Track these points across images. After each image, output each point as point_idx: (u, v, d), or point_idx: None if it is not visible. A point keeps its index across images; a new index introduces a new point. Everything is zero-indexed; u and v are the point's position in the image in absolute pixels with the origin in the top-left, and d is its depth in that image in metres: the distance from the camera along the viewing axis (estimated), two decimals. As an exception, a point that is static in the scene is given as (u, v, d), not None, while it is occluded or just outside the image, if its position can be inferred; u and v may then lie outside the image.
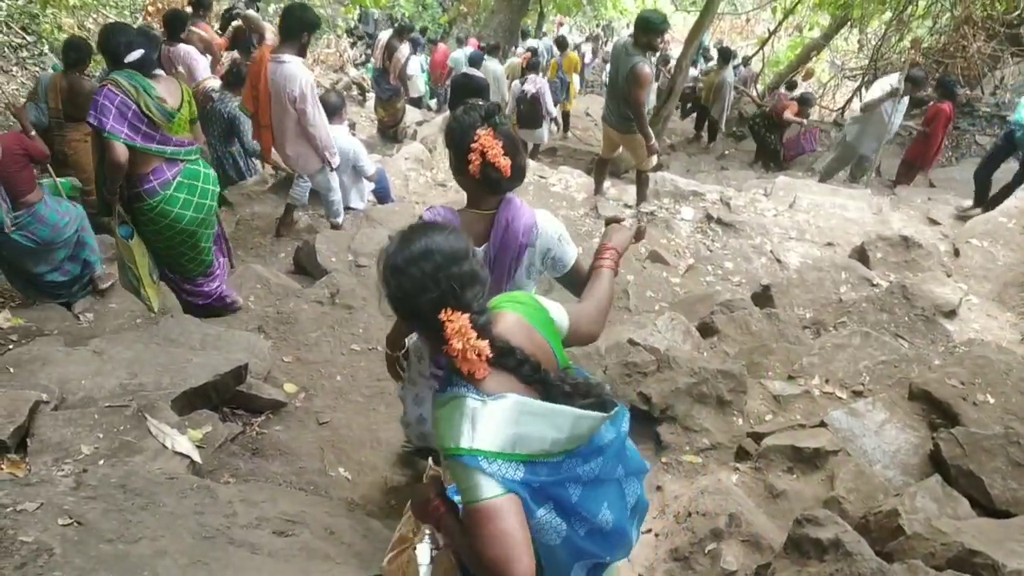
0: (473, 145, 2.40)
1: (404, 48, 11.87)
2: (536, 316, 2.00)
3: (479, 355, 1.72)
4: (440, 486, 2.10)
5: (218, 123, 6.31)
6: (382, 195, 7.22)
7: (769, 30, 16.15)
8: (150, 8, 14.01)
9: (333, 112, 6.15)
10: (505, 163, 2.41)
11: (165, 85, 4.16)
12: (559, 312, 2.09)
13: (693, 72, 15.54)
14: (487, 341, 1.74)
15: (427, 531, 2.24)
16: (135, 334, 4.11)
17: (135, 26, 4.10)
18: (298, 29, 5.16)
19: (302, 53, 5.26)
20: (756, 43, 17.53)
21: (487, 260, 2.57)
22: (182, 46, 7.39)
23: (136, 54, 4.02)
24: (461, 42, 13.64)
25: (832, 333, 4.41)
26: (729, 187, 8.19)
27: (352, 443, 3.78)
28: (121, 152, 3.95)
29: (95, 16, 12.81)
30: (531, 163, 9.54)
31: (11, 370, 3.46)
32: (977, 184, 7.84)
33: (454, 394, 1.76)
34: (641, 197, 7.28)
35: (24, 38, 9.98)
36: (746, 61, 16.56)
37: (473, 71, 10.13)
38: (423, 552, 2.22)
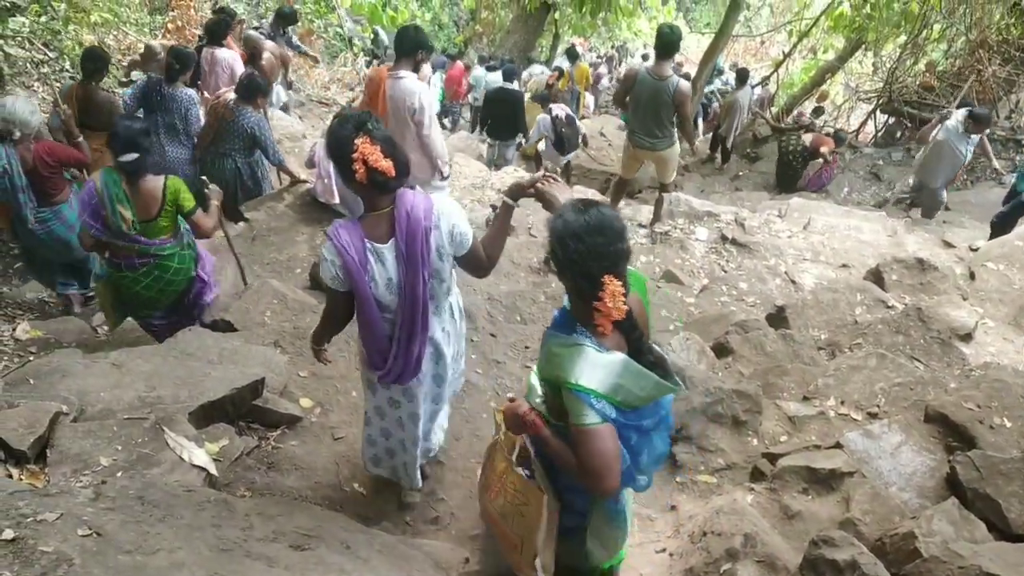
0: (354, 155, 2.61)
1: (426, 68, 11.98)
2: (643, 291, 2.48)
3: (617, 315, 2.17)
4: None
5: (240, 137, 6.37)
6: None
7: (784, 52, 16.20)
8: (169, 26, 14.18)
9: None
10: (387, 164, 2.64)
11: (148, 192, 4.20)
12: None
13: (709, 88, 15.63)
14: (623, 312, 2.18)
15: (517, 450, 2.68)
16: (153, 347, 4.14)
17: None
18: (412, 48, 5.50)
19: (416, 69, 5.59)
20: (770, 65, 17.57)
21: (398, 254, 2.79)
22: (224, 51, 7.80)
23: (129, 156, 4.06)
24: (484, 60, 13.70)
25: (847, 355, 4.40)
26: (743, 208, 8.20)
27: (367, 459, 3.79)
28: (89, 241, 4.23)
29: (115, 33, 12.96)
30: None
31: (31, 381, 3.49)
32: (993, 231, 7.91)
33: (577, 341, 2.24)
34: (656, 216, 7.31)
35: (46, 54, 10.09)
36: (763, 82, 16.60)
37: (509, 85, 10.25)
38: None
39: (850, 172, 11.61)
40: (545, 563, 2.64)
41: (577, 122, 10.91)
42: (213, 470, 3.11)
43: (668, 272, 6.14)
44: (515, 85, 10.55)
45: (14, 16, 9.82)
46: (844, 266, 6.28)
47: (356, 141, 2.62)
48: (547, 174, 2.85)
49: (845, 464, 3.34)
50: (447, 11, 22.25)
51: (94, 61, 6.36)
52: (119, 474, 2.91)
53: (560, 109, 10.55)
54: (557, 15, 18.89)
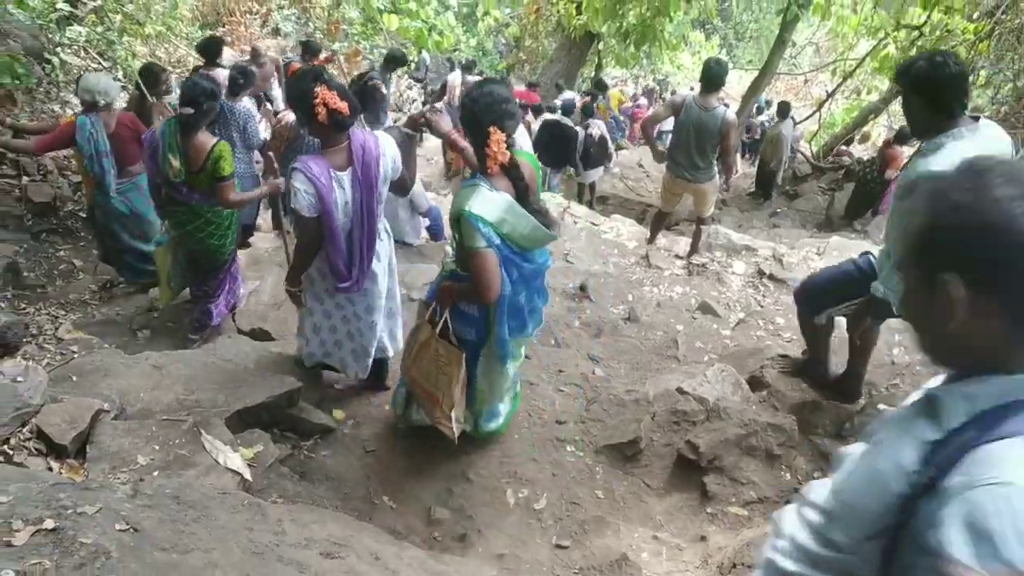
0: (316, 100, 3.23)
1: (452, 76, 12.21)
2: (536, 168, 3.34)
3: (501, 158, 2.98)
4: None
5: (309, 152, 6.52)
6: (435, 232, 7.33)
7: (827, 92, 16.12)
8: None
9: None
10: (344, 105, 3.29)
11: (197, 147, 4.48)
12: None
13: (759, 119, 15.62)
14: (508, 155, 3.00)
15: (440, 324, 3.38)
16: (192, 352, 4.20)
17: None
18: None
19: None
20: (813, 104, 17.51)
21: (354, 179, 3.44)
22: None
23: (186, 110, 4.41)
24: (533, 87, 13.81)
25: (883, 394, 4.35)
26: (781, 244, 8.17)
27: (397, 472, 3.80)
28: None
29: (167, 46, 13.24)
30: (583, 209, 9.61)
31: (74, 378, 3.56)
32: None
33: (475, 183, 3.02)
34: (694, 249, 7.31)
35: (100, 63, 10.32)
36: (807, 119, 16.51)
37: (564, 119, 10.32)
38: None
39: (883, 215, 11.52)
40: (458, 415, 3.46)
41: (609, 145, 11.08)
42: (247, 475, 3.14)
43: (704, 304, 6.12)
44: (571, 120, 10.58)
45: (72, 25, 10.07)
46: (883, 307, 6.23)
47: (316, 89, 3.24)
48: (432, 107, 3.75)
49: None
50: (492, 38, 22.49)
51: (150, 77, 6.56)
52: (156, 473, 2.95)
53: (596, 128, 10.69)
54: (601, 45, 19.01)
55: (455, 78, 14.18)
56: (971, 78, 12.86)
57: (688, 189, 6.99)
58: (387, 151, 3.55)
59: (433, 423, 3.54)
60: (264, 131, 6.82)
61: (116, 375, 3.60)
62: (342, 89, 3.34)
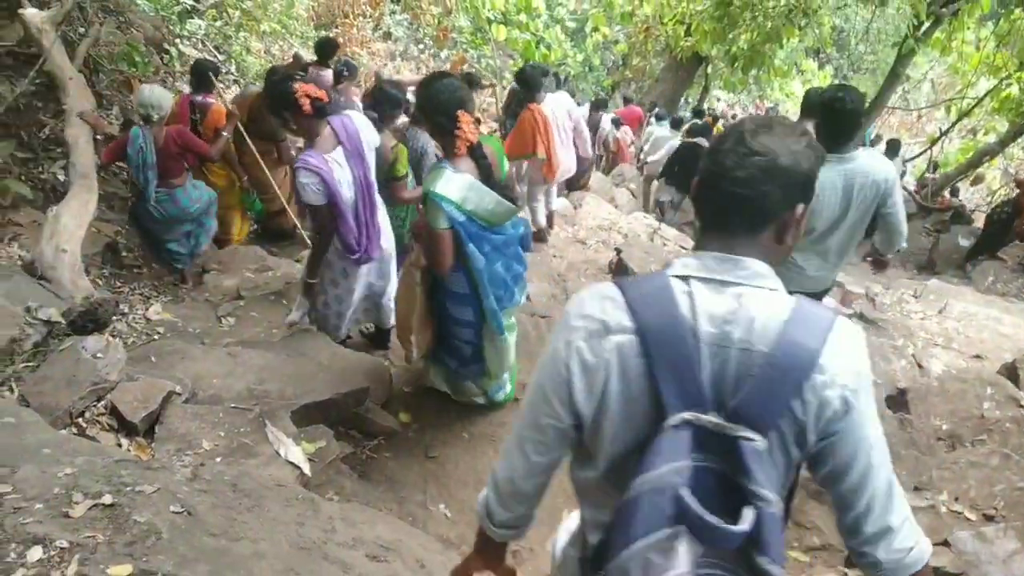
0: (298, 95, 3.64)
1: (606, 119, 12.15)
2: (498, 152, 3.57)
3: (472, 138, 3.29)
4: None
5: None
6: (522, 243, 7.31)
7: (940, 130, 15.60)
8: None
9: None
10: (323, 94, 3.76)
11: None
12: (504, 159, 3.64)
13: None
14: (476, 138, 3.32)
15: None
16: (268, 343, 4.28)
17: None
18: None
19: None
20: (925, 141, 16.93)
21: (347, 155, 3.89)
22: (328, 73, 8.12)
23: (371, 114, 4.81)
24: (661, 119, 13.71)
25: (968, 449, 4.14)
26: (877, 284, 7.89)
27: (456, 481, 3.80)
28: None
29: (281, 43, 13.63)
30: (673, 232, 9.47)
31: (152, 359, 3.67)
32: None
33: (441, 166, 3.33)
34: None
35: (216, 57, 10.68)
36: (924, 157, 15.96)
37: (700, 140, 10.25)
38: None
39: (997, 260, 11.02)
40: (418, 343, 3.83)
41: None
42: (307, 469, 3.17)
43: (787, 338, 5.93)
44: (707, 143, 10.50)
45: (192, 18, 10.46)
46: (977, 357, 5.93)
47: (295, 86, 3.66)
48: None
49: (951, 564, 3.13)
50: (599, 54, 22.45)
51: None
52: (218, 459, 3.01)
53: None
54: (709, 69, 18.79)
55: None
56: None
57: None
58: (361, 124, 4.02)
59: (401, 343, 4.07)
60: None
61: (192, 359, 3.69)
62: (313, 82, 3.90)
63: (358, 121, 4.03)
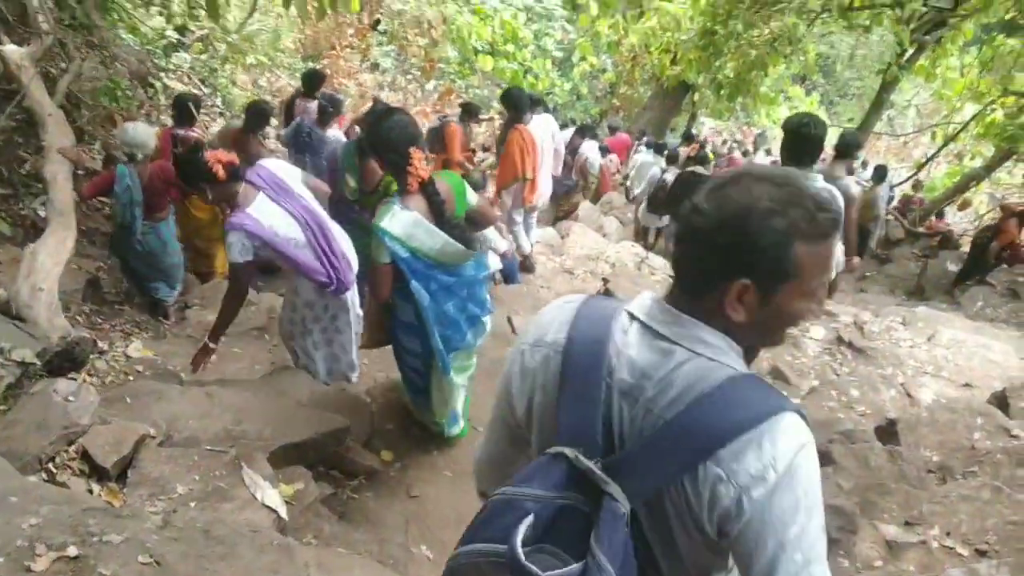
0: (210, 164, 3.63)
1: (586, 145, 12.18)
2: (456, 189, 3.55)
3: (423, 175, 3.33)
4: None
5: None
6: (508, 275, 7.29)
7: (927, 155, 15.67)
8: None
9: (475, 189, 6.39)
10: (232, 157, 3.75)
11: (374, 167, 4.93)
12: (471, 192, 3.68)
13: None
14: (428, 173, 3.37)
15: None
16: (247, 382, 4.22)
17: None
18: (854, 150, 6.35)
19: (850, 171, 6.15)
20: (912, 167, 17.00)
21: (272, 197, 3.77)
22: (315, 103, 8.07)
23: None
24: (651, 147, 13.78)
25: (959, 482, 4.09)
26: (865, 311, 7.87)
27: (438, 521, 3.72)
28: None
29: (268, 75, 13.66)
30: (660, 261, 9.44)
31: (128, 400, 3.60)
32: None
33: (391, 202, 3.35)
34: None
35: (201, 90, 10.68)
36: (912, 182, 15.99)
37: (700, 169, 10.23)
38: None
39: (986, 286, 11.02)
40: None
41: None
42: (284, 513, 3.10)
43: (775, 369, 5.89)
44: (707, 171, 10.49)
45: (178, 51, 10.47)
46: (967, 385, 5.88)
47: (205, 155, 3.67)
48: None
49: (944, 603, 3.08)
50: (586, 83, 22.58)
51: (257, 116, 6.79)
52: (192, 504, 2.94)
53: (672, 175, 10.52)
54: (696, 96, 18.90)
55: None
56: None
57: None
58: (273, 167, 3.94)
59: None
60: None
61: (169, 400, 3.62)
62: (220, 146, 4.00)
63: (270, 165, 3.95)
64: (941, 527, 3.62)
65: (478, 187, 6.48)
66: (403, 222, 3.27)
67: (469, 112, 9.82)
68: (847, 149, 6.22)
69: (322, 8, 5.38)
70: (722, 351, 1.30)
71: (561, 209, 12.02)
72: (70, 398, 3.12)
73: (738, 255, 1.26)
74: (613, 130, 16.18)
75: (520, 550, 1.19)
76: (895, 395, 5.67)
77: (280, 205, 3.79)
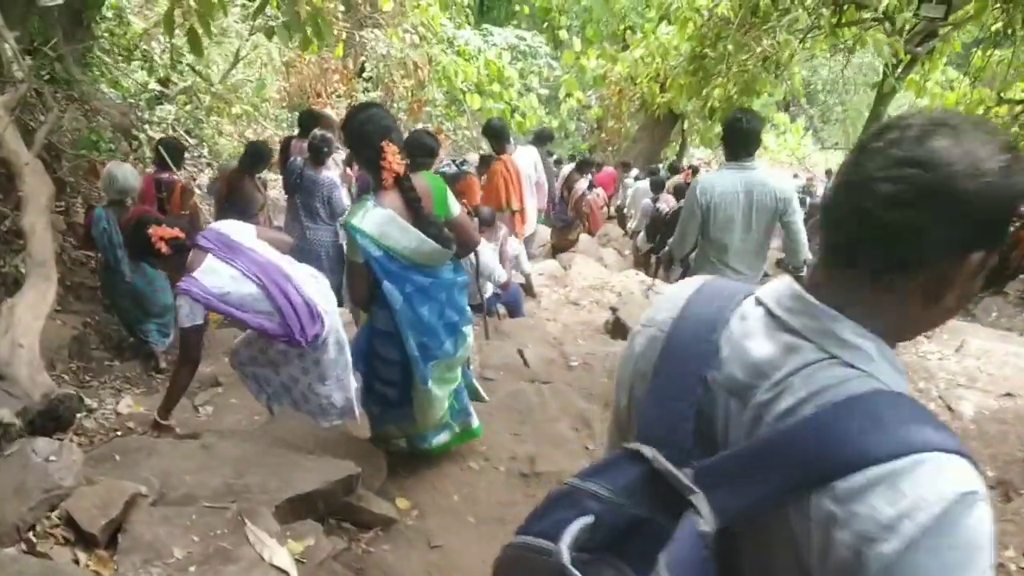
0: (153, 241, 3.52)
1: (583, 182, 12.10)
2: (436, 189, 3.45)
3: (397, 168, 3.20)
4: None
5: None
6: (513, 308, 7.04)
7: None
8: (305, 122, 14.65)
9: (484, 224, 6.23)
10: (175, 231, 3.59)
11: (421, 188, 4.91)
12: (453, 200, 3.52)
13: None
14: (403, 168, 3.23)
15: None
16: (247, 431, 3.92)
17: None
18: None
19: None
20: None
21: (220, 257, 3.57)
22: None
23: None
24: (640, 177, 13.65)
25: None
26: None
27: (464, 573, 3.39)
28: None
29: (255, 126, 13.48)
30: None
31: (116, 458, 3.29)
32: None
33: (365, 199, 3.30)
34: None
35: (187, 141, 10.47)
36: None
37: None
38: None
39: (1000, 295, 10.76)
40: None
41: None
42: (294, 573, 2.78)
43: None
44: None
45: (162, 104, 10.29)
46: (1008, 395, 5.59)
47: (148, 232, 3.54)
48: None
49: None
50: (574, 120, 22.52)
51: (254, 156, 6.67)
52: (192, 568, 2.62)
53: (665, 203, 10.61)
54: (685, 125, 18.83)
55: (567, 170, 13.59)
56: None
57: None
58: (225, 227, 3.76)
59: None
60: (347, 199, 6.70)
61: (160, 455, 3.31)
62: (168, 223, 3.67)
63: (219, 226, 3.80)
64: (1016, 547, 3.31)
65: (485, 221, 6.29)
66: (376, 219, 3.19)
67: (486, 163, 9.70)
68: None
69: (307, 40, 5.15)
70: (867, 357, 1.00)
71: (561, 243, 11.87)
72: (51, 458, 2.81)
73: (976, 218, 0.95)
74: (598, 166, 16.12)
75: (567, 553, 0.97)
76: (934, 409, 5.37)
77: (229, 264, 3.58)
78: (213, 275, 3.52)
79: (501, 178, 6.75)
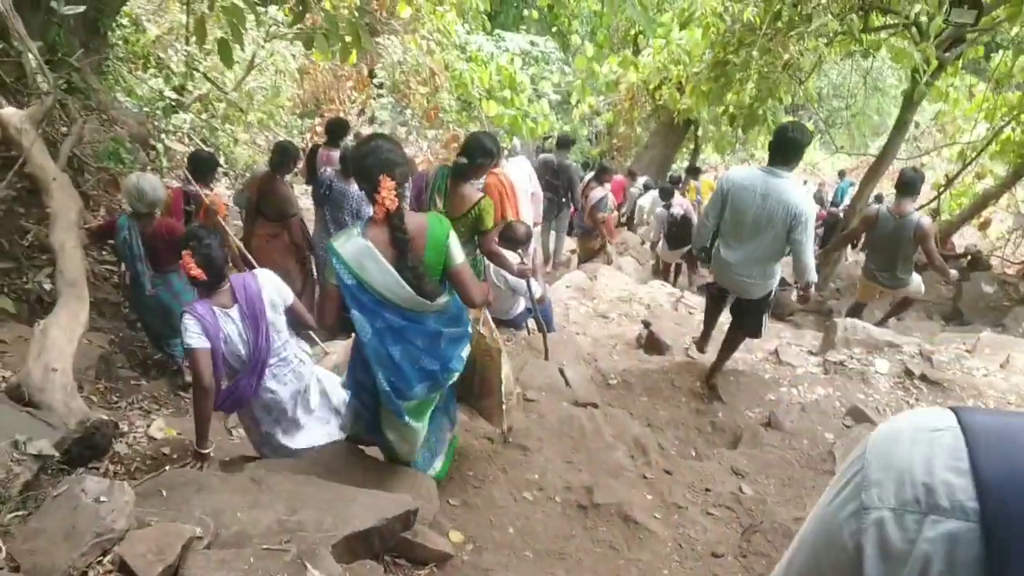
0: (184, 260, 3.62)
1: (598, 191, 11.96)
2: (435, 234, 3.27)
3: (389, 205, 3.10)
4: None
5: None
6: (546, 321, 6.87)
7: (947, 176, 15.25)
8: (317, 129, 14.56)
9: (519, 243, 6.14)
10: (200, 273, 3.64)
11: (465, 194, 4.84)
12: (457, 249, 3.33)
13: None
14: (396, 203, 3.13)
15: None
16: (294, 462, 3.74)
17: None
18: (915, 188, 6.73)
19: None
20: (932, 188, 16.63)
21: (243, 314, 3.77)
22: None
23: (462, 160, 4.81)
24: (648, 188, 13.51)
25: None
26: (915, 337, 7.41)
27: (525, 612, 3.23)
28: None
29: (267, 134, 13.35)
30: (698, 299, 9.01)
31: (164, 493, 3.12)
32: None
33: (356, 225, 3.29)
34: (828, 343, 6.78)
35: (204, 149, 10.34)
36: (932, 210, 15.66)
37: None
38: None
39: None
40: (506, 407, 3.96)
41: (693, 221, 10.70)
42: (359, 620, 2.62)
43: (854, 409, 5.41)
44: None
45: (177, 113, 10.15)
46: (1062, 414, 5.42)
47: (183, 253, 3.63)
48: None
49: None
50: (585, 125, 22.35)
51: (282, 155, 6.52)
52: (254, 618, 2.46)
53: (679, 207, 10.57)
54: (699, 131, 18.67)
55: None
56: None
57: (889, 293, 7.62)
58: (266, 284, 3.91)
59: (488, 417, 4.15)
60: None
61: (210, 490, 3.14)
62: (208, 249, 3.69)
63: (262, 279, 3.93)
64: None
65: (522, 240, 6.14)
66: (354, 248, 3.17)
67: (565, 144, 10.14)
68: (910, 186, 6.71)
69: (345, 49, 5.00)
70: None
71: (584, 251, 11.77)
72: (102, 498, 2.65)
73: None
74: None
75: None
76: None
77: (243, 324, 3.79)
78: (227, 322, 3.74)
79: (496, 191, 6.60)
